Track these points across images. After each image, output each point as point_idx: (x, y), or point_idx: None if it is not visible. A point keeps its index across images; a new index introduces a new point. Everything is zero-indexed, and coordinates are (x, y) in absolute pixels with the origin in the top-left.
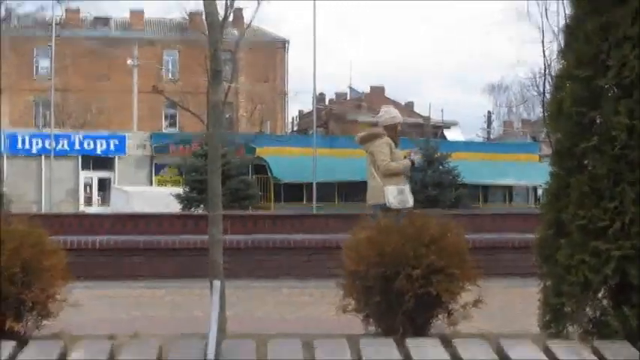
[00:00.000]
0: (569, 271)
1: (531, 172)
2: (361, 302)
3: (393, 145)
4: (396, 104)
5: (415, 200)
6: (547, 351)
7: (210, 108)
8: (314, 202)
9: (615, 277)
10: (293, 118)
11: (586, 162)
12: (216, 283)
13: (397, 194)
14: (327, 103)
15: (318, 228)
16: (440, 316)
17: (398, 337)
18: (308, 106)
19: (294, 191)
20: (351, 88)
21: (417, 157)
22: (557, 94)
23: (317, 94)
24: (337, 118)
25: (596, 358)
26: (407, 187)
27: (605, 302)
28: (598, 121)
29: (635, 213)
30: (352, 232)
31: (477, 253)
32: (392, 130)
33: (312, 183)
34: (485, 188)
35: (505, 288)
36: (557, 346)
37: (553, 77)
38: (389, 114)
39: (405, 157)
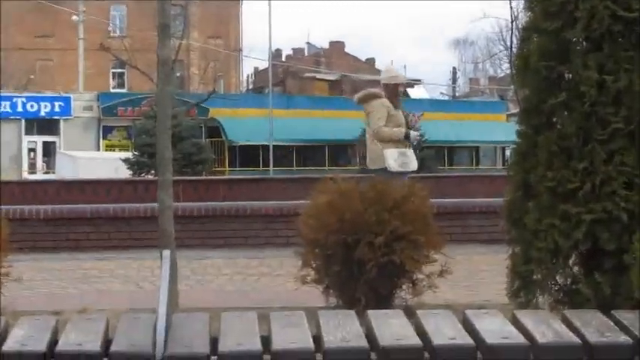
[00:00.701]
0: (538, 236)
1: (499, 132)
2: (321, 272)
3: (391, 107)
4: (356, 61)
5: None
6: (515, 321)
7: (159, 65)
8: (271, 166)
9: (586, 242)
10: (248, 76)
11: (555, 119)
12: (166, 253)
13: (398, 157)
14: (283, 59)
15: (276, 194)
16: (404, 287)
17: (360, 308)
18: (264, 64)
19: (251, 155)
20: (309, 43)
21: (415, 134)
22: (523, 47)
23: (273, 50)
24: (295, 76)
25: (565, 327)
26: (408, 150)
27: (576, 269)
28: (567, 76)
29: (605, 174)
30: (311, 198)
31: (441, 218)
32: (391, 91)
33: (268, 146)
34: (451, 149)
35: (472, 255)
36: (525, 316)
37: (520, 30)
38: (389, 73)
39: (406, 118)
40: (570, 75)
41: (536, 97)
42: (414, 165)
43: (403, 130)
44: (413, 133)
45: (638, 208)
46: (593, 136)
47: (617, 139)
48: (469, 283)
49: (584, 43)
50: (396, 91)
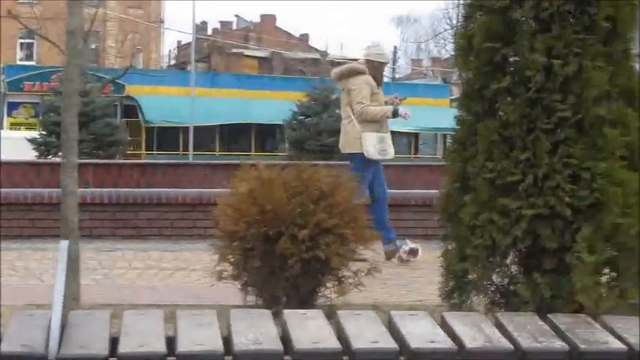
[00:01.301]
0: (475, 232)
1: (440, 118)
2: (239, 268)
3: (374, 85)
4: (288, 36)
5: (307, 150)
6: (444, 324)
7: (67, 35)
8: (190, 150)
9: (526, 239)
10: (170, 51)
11: (497, 106)
12: (63, 244)
13: (377, 142)
14: (209, 33)
15: (196, 180)
16: (329, 285)
17: (280, 308)
18: (187, 37)
19: (169, 137)
20: (237, 16)
21: (404, 110)
22: (467, 26)
23: (198, 22)
24: (221, 52)
25: (498, 331)
26: (388, 135)
27: (514, 269)
28: (512, 59)
29: (549, 166)
30: (230, 186)
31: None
32: (376, 69)
33: (189, 127)
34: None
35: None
36: (455, 319)
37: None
38: (377, 49)
39: (386, 103)
40: (516, 58)
41: (479, 80)
42: (391, 153)
43: (391, 107)
44: (402, 109)
45: (583, 204)
46: (538, 125)
47: (563, 128)
48: (401, 282)
49: (532, 23)
50: (381, 70)
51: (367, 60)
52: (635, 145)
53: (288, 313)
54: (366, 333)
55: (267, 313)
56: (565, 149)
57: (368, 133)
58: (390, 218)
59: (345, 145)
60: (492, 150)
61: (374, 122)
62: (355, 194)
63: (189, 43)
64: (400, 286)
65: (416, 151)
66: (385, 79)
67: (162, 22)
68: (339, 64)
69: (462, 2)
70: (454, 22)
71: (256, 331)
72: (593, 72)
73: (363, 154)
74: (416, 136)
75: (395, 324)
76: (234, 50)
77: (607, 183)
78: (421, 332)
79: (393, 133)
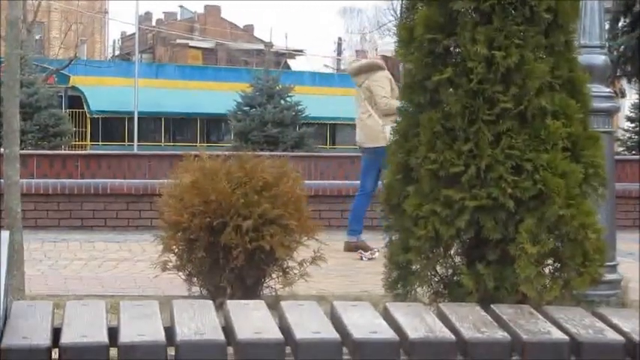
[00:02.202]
0: (418, 223)
1: None
2: (183, 259)
3: (392, 80)
4: (233, 27)
5: (252, 141)
6: (386, 314)
7: (8, 26)
8: (135, 141)
9: (469, 230)
10: (114, 42)
11: (439, 97)
12: (5, 235)
13: None
14: (153, 24)
15: (140, 171)
16: (274, 275)
17: (225, 299)
18: (132, 28)
19: (115, 128)
20: (182, 7)
21: None
22: (408, 17)
23: (142, 13)
24: (165, 43)
25: (440, 322)
26: None
27: (458, 259)
28: (454, 50)
29: (492, 157)
30: (173, 177)
31: (319, 202)
32: (393, 64)
33: (133, 118)
34: (334, 127)
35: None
36: (398, 309)
37: None
38: (393, 45)
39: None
40: (458, 49)
41: (420, 72)
42: None
43: None
44: None
45: (525, 195)
46: (480, 116)
47: (505, 120)
48: (347, 273)
49: (473, 14)
50: (397, 66)
51: (383, 56)
52: (577, 136)
53: (231, 304)
54: (309, 323)
55: (210, 303)
56: (507, 140)
57: (389, 126)
58: (337, 210)
59: (367, 140)
60: (435, 141)
61: (391, 115)
62: (300, 184)
63: (133, 34)
64: (346, 276)
65: None
66: (329, 71)
67: (106, 12)
68: (282, 55)
69: None
70: (398, 13)
71: (198, 322)
72: (534, 63)
73: (384, 147)
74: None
75: (337, 315)
76: (178, 41)
77: (550, 174)
78: (364, 323)
79: (339, 124)
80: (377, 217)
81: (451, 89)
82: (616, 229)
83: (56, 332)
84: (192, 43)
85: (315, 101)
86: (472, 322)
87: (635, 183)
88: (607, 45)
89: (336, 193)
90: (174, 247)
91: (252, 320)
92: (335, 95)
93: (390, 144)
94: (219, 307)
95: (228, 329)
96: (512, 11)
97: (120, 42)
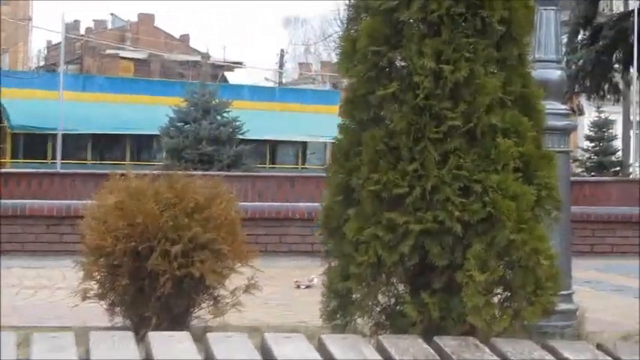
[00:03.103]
0: (359, 248)
1: (330, 126)
2: (105, 286)
3: None
4: (167, 37)
5: (185, 159)
6: (321, 347)
7: None
8: (58, 159)
9: (414, 256)
10: (39, 51)
11: (383, 114)
12: None
13: None
14: (82, 32)
15: (63, 191)
16: (204, 304)
17: (149, 330)
18: (58, 37)
19: (37, 144)
20: (113, 15)
21: None
22: (351, 28)
23: (69, 21)
24: (94, 53)
25: (379, 356)
26: None
27: (401, 287)
28: (399, 64)
29: (438, 178)
30: (97, 197)
31: (257, 225)
32: None
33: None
34: (274, 145)
35: (291, 269)
36: (334, 342)
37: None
38: None
39: None
40: (403, 63)
41: (363, 86)
42: None
43: None
44: None
45: (474, 219)
46: (426, 134)
47: (453, 138)
48: (285, 302)
49: (420, 26)
50: None
51: None
52: (530, 155)
53: (154, 336)
54: (236, 357)
55: (131, 335)
56: (455, 160)
57: None
58: (275, 234)
59: None
60: (378, 161)
61: None
62: (235, 206)
63: (59, 43)
64: (283, 305)
65: (304, 162)
66: (271, 84)
67: (30, 19)
68: (220, 67)
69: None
70: (345, 23)
71: (116, 354)
72: (485, 78)
73: None
74: (304, 145)
75: (268, 348)
76: (108, 51)
77: (500, 196)
78: (296, 356)
79: (279, 142)
80: (316, 242)
81: (396, 105)
82: (572, 255)
83: None
84: (123, 54)
85: (255, 117)
86: (413, 355)
87: (592, 207)
88: (564, 59)
89: (274, 215)
90: (95, 273)
91: (175, 353)
92: (276, 110)
93: (330, 164)
94: (142, 339)
95: None
96: (462, 23)
97: (45, 51)
